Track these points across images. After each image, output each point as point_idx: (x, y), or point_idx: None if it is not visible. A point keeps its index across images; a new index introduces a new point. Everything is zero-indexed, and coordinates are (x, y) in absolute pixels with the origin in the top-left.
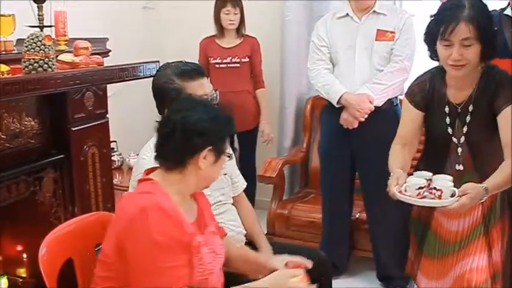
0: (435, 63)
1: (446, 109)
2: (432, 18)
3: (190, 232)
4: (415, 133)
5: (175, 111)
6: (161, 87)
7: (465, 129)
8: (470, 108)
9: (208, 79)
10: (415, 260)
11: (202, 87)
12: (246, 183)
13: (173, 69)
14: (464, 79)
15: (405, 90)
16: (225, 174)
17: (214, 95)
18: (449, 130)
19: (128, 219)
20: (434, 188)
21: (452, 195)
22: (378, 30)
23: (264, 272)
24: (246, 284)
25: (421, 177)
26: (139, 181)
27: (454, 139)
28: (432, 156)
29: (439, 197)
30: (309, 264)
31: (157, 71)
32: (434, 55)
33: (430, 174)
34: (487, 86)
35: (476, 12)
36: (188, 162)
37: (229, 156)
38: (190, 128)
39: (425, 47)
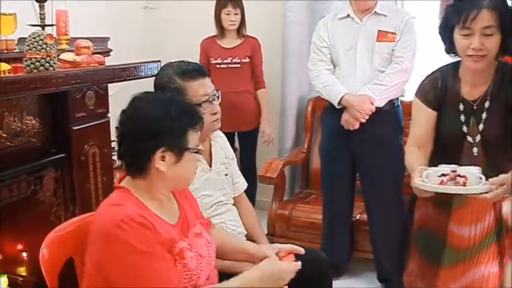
0: (437, 64)
1: (461, 106)
2: (449, 7)
3: (170, 238)
4: (429, 134)
5: (123, 114)
6: (162, 86)
7: (481, 127)
8: (487, 104)
9: (210, 79)
10: (419, 271)
11: (204, 87)
12: (246, 184)
13: (175, 68)
14: (481, 73)
15: (406, 91)
16: (226, 174)
17: (216, 95)
18: (464, 128)
19: (104, 237)
20: (459, 175)
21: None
22: (379, 31)
23: (256, 261)
24: (237, 277)
25: (445, 167)
26: (114, 188)
27: (469, 138)
28: (443, 157)
29: (464, 184)
30: (301, 250)
31: (159, 70)
32: (450, 48)
33: (455, 166)
34: (504, 81)
35: (498, 1)
36: (148, 167)
37: (197, 152)
38: (137, 131)
39: (423, 48)
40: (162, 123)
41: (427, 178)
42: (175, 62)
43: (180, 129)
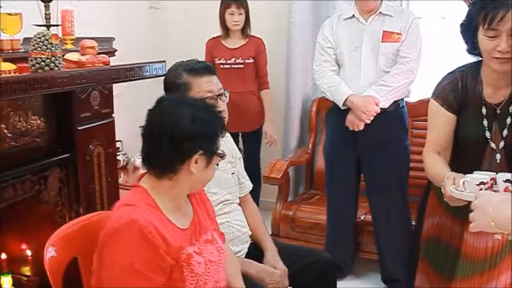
0: (440, 65)
1: (484, 110)
2: (473, 6)
3: (178, 245)
4: (448, 139)
5: (159, 116)
6: (170, 82)
7: (505, 132)
8: (511, 108)
9: (218, 78)
10: (429, 284)
11: (209, 84)
12: (252, 185)
13: (184, 66)
14: (505, 76)
15: (411, 92)
16: (233, 173)
17: (224, 94)
18: (487, 134)
19: (106, 235)
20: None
21: None
22: (384, 31)
23: None
24: None
25: (483, 175)
26: (132, 186)
27: (492, 144)
28: (462, 163)
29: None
30: None
31: (170, 68)
32: (473, 48)
33: (494, 173)
34: None
35: None
36: (179, 169)
37: (221, 157)
38: (178, 134)
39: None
40: (202, 127)
41: (463, 186)
42: (187, 60)
43: (214, 133)
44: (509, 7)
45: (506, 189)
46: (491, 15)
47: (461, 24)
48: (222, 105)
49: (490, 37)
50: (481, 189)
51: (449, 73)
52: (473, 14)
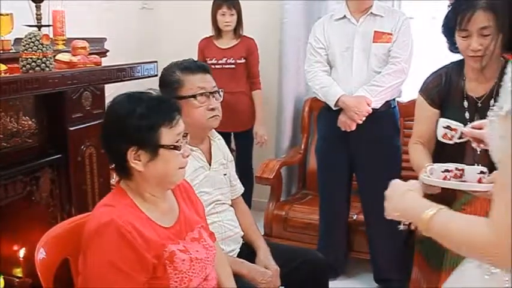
0: (435, 65)
1: (465, 103)
2: (449, 8)
3: (159, 243)
4: (431, 132)
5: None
6: (164, 79)
7: None
8: (492, 102)
9: (212, 77)
10: (424, 277)
11: (202, 81)
12: (243, 189)
13: (179, 64)
14: (484, 71)
15: (402, 92)
16: (225, 174)
17: (218, 92)
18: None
19: (87, 235)
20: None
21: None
22: (375, 31)
23: None
24: None
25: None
26: (114, 186)
27: None
28: (446, 155)
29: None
30: None
31: (165, 67)
32: (453, 47)
33: (462, 165)
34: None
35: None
36: (128, 168)
37: (175, 148)
38: (106, 131)
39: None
40: (127, 122)
41: (431, 173)
42: (183, 59)
43: (149, 127)
44: (476, 7)
45: (479, 180)
46: (461, 16)
47: (442, 25)
48: (215, 104)
49: (463, 37)
50: (445, 177)
51: (437, 69)
52: (450, 16)
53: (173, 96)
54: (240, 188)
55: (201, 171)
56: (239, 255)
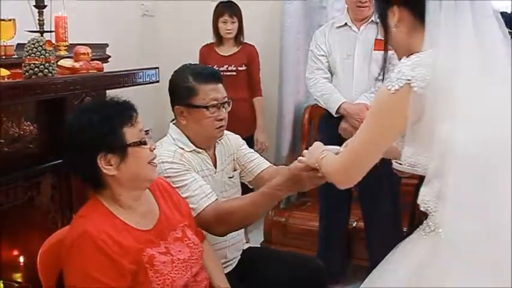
0: None
1: None
2: None
3: (137, 247)
4: None
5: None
6: (176, 85)
7: None
8: None
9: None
10: None
11: (215, 92)
12: (268, 164)
13: (191, 69)
14: None
15: None
16: (231, 177)
17: (227, 102)
18: None
19: (64, 248)
20: None
21: None
22: (376, 39)
23: None
24: None
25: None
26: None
27: None
28: None
29: None
30: None
31: (177, 70)
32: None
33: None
34: None
35: None
36: (100, 177)
37: (142, 143)
38: (71, 150)
39: None
40: (88, 132)
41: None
42: (193, 64)
43: (110, 131)
44: None
45: None
46: None
47: None
48: (224, 114)
49: None
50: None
51: None
52: None
53: (184, 104)
54: (263, 162)
55: (207, 174)
56: (239, 263)
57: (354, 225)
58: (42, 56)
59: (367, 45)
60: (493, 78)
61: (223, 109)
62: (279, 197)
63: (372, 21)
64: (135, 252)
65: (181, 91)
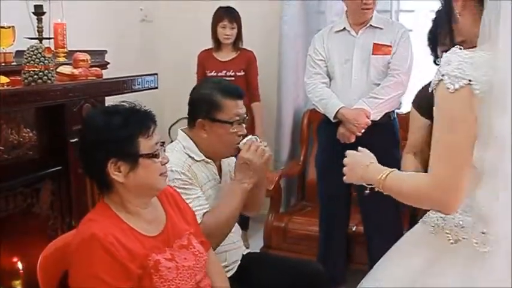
0: (432, 77)
1: None
2: (432, 21)
3: (143, 252)
4: (422, 142)
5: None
6: (201, 97)
7: None
8: None
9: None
10: None
11: (237, 108)
12: None
13: (216, 84)
14: None
15: (402, 104)
16: None
17: (246, 118)
18: None
19: (71, 251)
20: None
21: None
22: (374, 44)
23: None
24: None
25: None
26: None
27: None
28: None
29: None
30: None
31: (200, 83)
32: (438, 60)
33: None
34: None
35: None
36: (110, 182)
37: (154, 156)
38: (83, 146)
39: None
40: (103, 134)
41: None
42: (213, 79)
43: (126, 138)
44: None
45: None
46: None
47: (427, 38)
48: (244, 130)
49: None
50: None
51: (430, 81)
52: (433, 28)
53: (208, 117)
54: None
55: (213, 184)
56: (239, 268)
57: (354, 229)
58: (42, 63)
59: (366, 50)
60: None
61: (243, 124)
62: (246, 189)
63: (371, 25)
64: (141, 257)
65: (206, 105)
